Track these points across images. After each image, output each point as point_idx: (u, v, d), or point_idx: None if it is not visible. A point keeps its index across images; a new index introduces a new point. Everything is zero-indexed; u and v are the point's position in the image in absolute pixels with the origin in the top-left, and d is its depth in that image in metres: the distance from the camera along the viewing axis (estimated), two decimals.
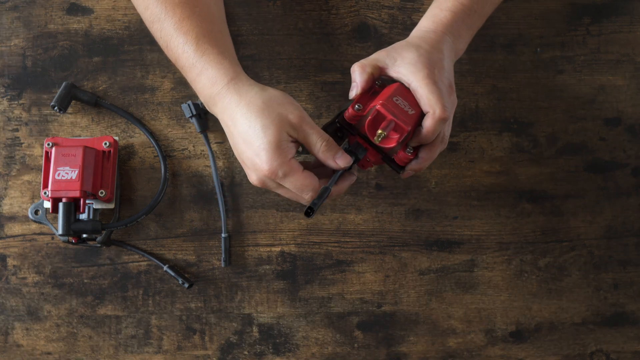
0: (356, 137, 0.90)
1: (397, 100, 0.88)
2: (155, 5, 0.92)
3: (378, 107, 0.87)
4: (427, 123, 0.88)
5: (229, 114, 0.88)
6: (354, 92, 0.90)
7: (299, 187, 0.86)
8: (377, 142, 0.88)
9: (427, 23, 0.96)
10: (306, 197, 0.87)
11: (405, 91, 0.90)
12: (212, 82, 0.89)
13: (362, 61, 0.91)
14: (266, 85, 0.90)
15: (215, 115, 0.91)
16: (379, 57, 0.92)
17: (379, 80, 0.92)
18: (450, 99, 0.91)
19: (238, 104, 0.87)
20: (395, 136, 0.88)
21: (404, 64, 0.90)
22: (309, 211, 0.86)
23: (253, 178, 0.89)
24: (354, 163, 0.90)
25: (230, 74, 0.89)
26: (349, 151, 0.90)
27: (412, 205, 1.06)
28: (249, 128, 0.86)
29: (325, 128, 0.91)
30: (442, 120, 0.88)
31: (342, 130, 0.91)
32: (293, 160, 0.86)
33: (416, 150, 0.92)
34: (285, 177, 0.86)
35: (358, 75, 0.90)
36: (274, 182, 0.87)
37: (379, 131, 0.87)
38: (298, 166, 0.87)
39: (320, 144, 0.87)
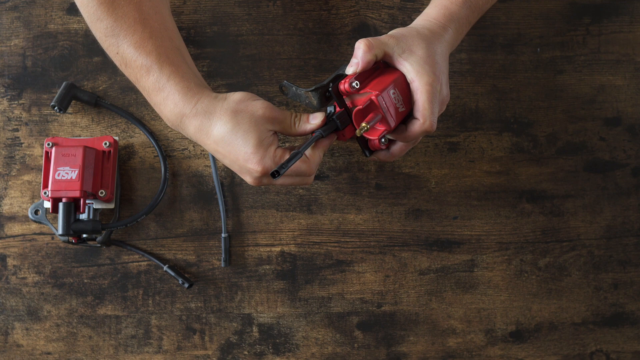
0: (343, 108, 0.90)
1: (393, 93, 0.88)
2: (110, 19, 0.89)
3: (373, 98, 0.87)
4: (414, 129, 0.90)
5: (205, 133, 0.88)
6: (352, 69, 0.88)
7: (295, 171, 0.89)
8: (358, 134, 0.88)
9: (436, 13, 0.95)
10: (310, 177, 0.91)
11: (404, 84, 0.90)
12: (180, 106, 0.88)
13: (370, 40, 0.88)
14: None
15: (188, 136, 0.91)
16: (389, 42, 0.89)
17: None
18: (441, 97, 0.91)
19: (210, 121, 0.88)
20: (380, 129, 0.89)
21: (412, 59, 0.89)
22: (275, 173, 0.84)
23: (250, 180, 0.90)
24: (333, 131, 0.90)
25: (197, 95, 0.89)
26: (332, 119, 0.90)
27: (412, 205, 1.06)
28: (231, 139, 0.87)
29: (317, 88, 0.91)
30: (427, 131, 0.90)
31: (330, 96, 0.91)
32: (279, 150, 0.88)
33: (390, 142, 0.93)
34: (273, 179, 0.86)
35: (362, 54, 0.88)
36: (262, 183, 0.89)
37: (363, 124, 0.87)
38: (287, 153, 0.88)
39: (292, 120, 0.89)
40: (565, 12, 1.08)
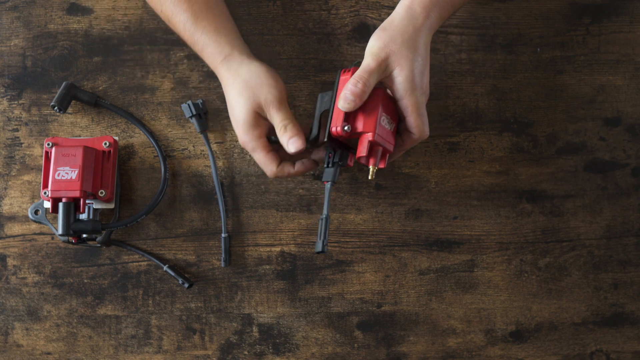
0: (339, 147, 0.95)
1: (383, 120, 0.91)
2: None
3: (371, 139, 0.90)
4: (410, 142, 0.96)
5: (224, 87, 0.98)
6: (347, 105, 0.90)
7: (261, 163, 0.97)
8: (371, 177, 0.93)
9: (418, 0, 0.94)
10: (267, 173, 0.98)
11: (386, 100, 0.93)
12: (212, 58, 0.97)
13: (366, 79, 0.90)
14: None
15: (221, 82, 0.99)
16: (380, 67, 0.90)
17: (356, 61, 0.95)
18: (425, 97, 0.94)
19: (228, 80, 0.96)
20: (380, 152, 0.93)
21: (400, 77, 0.91)
22: (322, 249, 0.90)
23: (238, 138, 0.98)
24: (336, 169, 0.94)
25: (226, 51, 0.97)
26: (336, 163, 0.94)
27: (412, 205, 1.06)
28: (233, 103, 0.96)
29: (312, 142, 0.94)
30: (422, 140, 0.95)
31: (330, 142, 0.94)
32: (263, 139, 0.96)
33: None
34: (253, 152, 0.96)
35: (362, 94, 0.90)
36: (246, 148, 0.97)
37: (371, 167, 0.92)
38: (265, 145, 0.96)
39: (280, 126, 0.94)
40: (565, 12, 1.08)
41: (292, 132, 0.93)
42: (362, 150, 0.90)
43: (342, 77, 0.93)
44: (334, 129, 0.91)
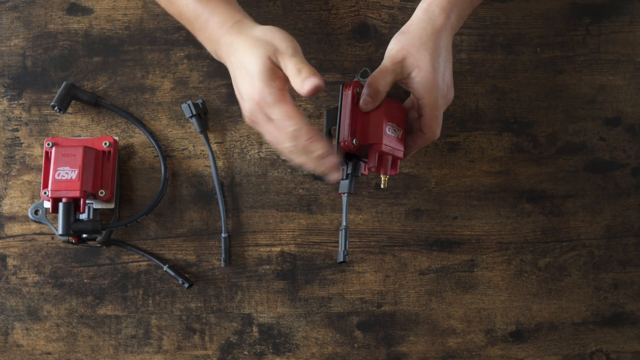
0: (352, 158, 0.95)
1: (389, 130, 0.93)
2: None
3: (379, 150, 0.92)
4: (420, 142, 0.95)
5: (232, 52, 0.90)
6: (366, 106, 0.92)
7: (285, 115, 0.85)
8: (383, 186, 0.95)
9: (438, 1, 0.94)
10: (289, 141, 0.86)
11: (393, 111, 0.94)
12: (219, 27, 0.92)
13: (379, 79, 0.91)
14: None
15: (221, 59, 0.93)
16: (395, 68, 0.91)
17: (359, 88, 0.94)
18: (447, 100, 0.95)
19: (238, 41, 0.90)
20: (389, 160, 0.95)
21: (419, 77, 0.91)
22: (344, 258, 0.92)
23: (246, 108, 0.89)
24: (351, 180, 0.95)
25: (236, 17, 0.92)
26: (350, 175, 0.95)
27: (412, 205, 1.06)
28: (246, 58, 0.88)
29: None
30: (432, 141, 0.95)
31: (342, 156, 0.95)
32: (285, 91, 0.87)
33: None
34: (274, 105, 0.86)
35: (375, 94, 0.91)
36: (262, 113, 0.87)
37: (382, 177, 0.94)
38: (289, 98, 0.86)
39: (294, 70, 0.87)
40: (565, 12, 1.08)
41: (307, 73, 0.86)
42: (372, 161, 0.93)
43: (345, 92, 0.94)
44: (342, 143, 0.93)
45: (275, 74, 0.87)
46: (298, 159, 0.88)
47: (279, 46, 0.88)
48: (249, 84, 0.87)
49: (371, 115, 0.93)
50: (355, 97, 0.93)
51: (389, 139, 0.93)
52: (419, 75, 0.91)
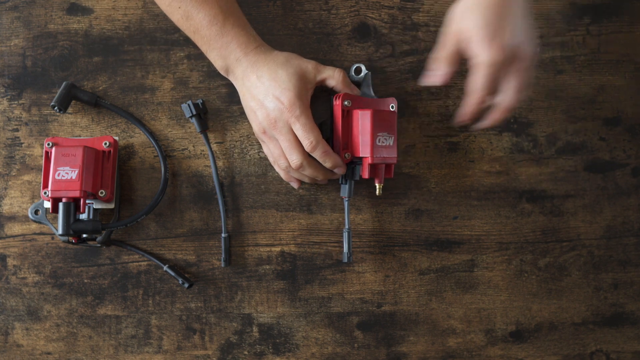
0: (350, 164, 1.00)
1: (379, 140, 0.97)
2: None
3: (370, 162, 0.97)
4: (474, 78, 0.92)
5: (258, 67, 0.98)
6: (438, 80, 0.94)
7: (308, 126, 0.95)
8: (378, 193, 1.00)
9: None
10: (311, 140, 0.96)
11: (381, 120, 0.97)
12: (241, 48, 0.99)
13: (448, 52, 0.93)
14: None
15: (234, 74, 1.00)
16: (450, 40, 0.92)
17: (348, 101, 0.99)
18: (503, 41, 0.90)
19: (267, 59, 0.98)
20: (383, 169, 1.01)
21: (471, 16, 0.89)
22: (348, 258, 1.01)
23: (264, 116, 0.97)
24: (350, 185, 1.01)
25: (258, 41, 1.00)
26: (347, 179, 1.01)
27: (412, 205, 1.06)
28: (280, 72, 0.97)
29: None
30: (493, 61, 0.89)
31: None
32: (309, 109, 0.97)
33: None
34: (300, 115, 0.95)
35: (448, 70, 0.94)
36: (284, 121, 0.96)
37: (377, 185, 1.00)
38: (311, 115, 0.96)
39: (337, 73, 0.99)
40: (565, 12, 1.08)
41: (349, 82, 1.01)
42: (365, 173, 0.98)
43: (335, 103, 1.00)
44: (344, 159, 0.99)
45: (306, 90, 0.98)
46: (306, 171, 0.98)
47: (309, 63, 0.99)
48: (280, 93, 0.96)
49: (361, 128, 0.97)
50: (345, 110, 0.98)
51: (379, 150, 0.97)
52: (471, 15, 0.89)
